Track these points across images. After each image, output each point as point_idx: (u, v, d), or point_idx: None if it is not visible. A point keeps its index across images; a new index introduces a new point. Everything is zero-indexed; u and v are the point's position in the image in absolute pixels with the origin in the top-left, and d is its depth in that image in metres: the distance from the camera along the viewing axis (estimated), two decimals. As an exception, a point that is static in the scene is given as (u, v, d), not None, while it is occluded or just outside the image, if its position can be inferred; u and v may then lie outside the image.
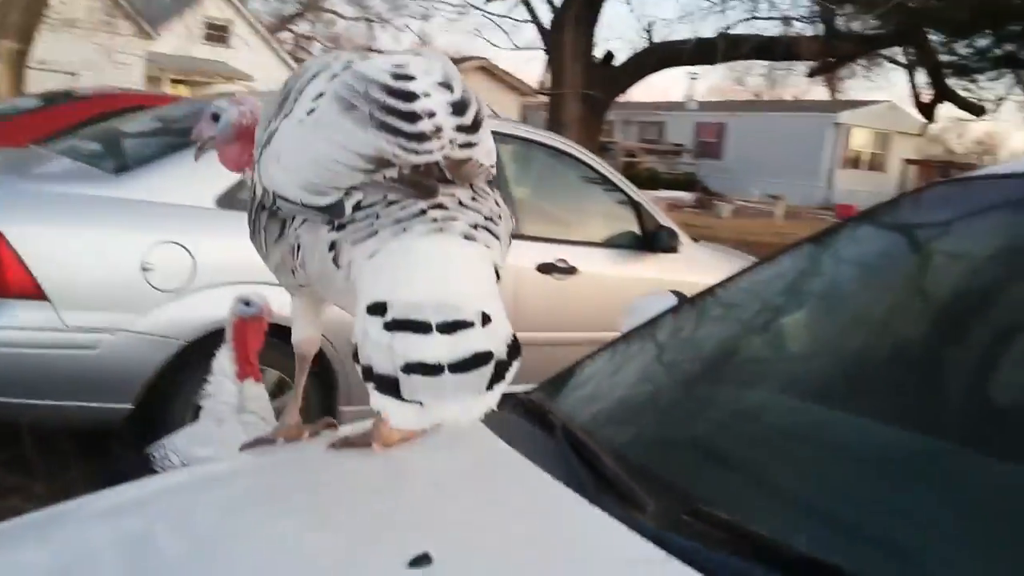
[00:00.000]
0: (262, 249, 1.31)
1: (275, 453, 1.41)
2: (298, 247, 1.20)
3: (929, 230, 1.69)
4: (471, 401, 0.92)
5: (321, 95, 1.16)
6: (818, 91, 34.90)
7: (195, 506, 1.25)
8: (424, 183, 1.07)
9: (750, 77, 25.27)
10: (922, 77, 12.03)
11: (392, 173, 1.06)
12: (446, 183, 1.07)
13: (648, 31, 11.70)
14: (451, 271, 1.01)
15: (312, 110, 1.16)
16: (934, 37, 10.97)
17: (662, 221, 4.68)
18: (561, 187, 4.76)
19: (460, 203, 1.08)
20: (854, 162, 29.40)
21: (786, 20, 10.63)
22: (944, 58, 11.32)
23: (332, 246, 1.11)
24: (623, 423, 1.40)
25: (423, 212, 1.05)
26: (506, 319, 0.97)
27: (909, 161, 29.51)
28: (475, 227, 1.06)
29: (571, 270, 4.22)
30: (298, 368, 1.43)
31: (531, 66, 64.77)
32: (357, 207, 1.09)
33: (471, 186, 1.11)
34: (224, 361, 2.14)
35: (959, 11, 9.55)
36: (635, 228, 4.63)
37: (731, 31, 10.83)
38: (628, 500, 1.08)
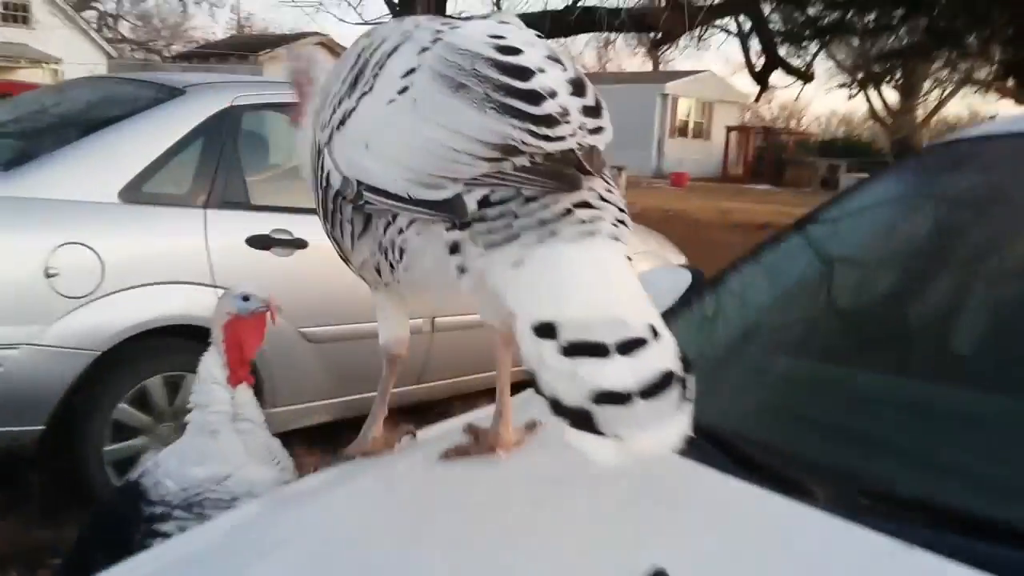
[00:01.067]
0: (344, 243, 1.17)
1: (375, 470, 1.28)
2: (400, 248, 1.07)
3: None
4: (667, 428, 0.83)
5: (412, 71, 1.03)
6: (636, 62, 36.17)
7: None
8: (567, 173, 0.96)
9: (579, 49, 25.74)
10: (755, 45, 12.63)
11: (523, 162, 0.95)
12: (586, 174, 0.97)
13: (497, 5, 11.66)
14: (610, 281, 0.93)
15: (405, 89, 1.02)
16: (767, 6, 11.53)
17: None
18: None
19: (601, 197, 0.98)
20: (682, 131, 30.65)
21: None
22: (776, 27, 11.99)
23: (455, 248, 0.98)
24: (746, 411, 1.36)
25: (569, 212, 0.94)
26: (667, 328, 0.89)
27: (730, 128, 31.06)
28: (617, 225, 0.97)
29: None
30: (386, 372, 1.30)
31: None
32: (485, 203, 0.97)
33: (602, 176, 1.01)
34: (212, 366, 1.93)
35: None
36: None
37: (578, 3, 10.95)
38: (801, 490, 1.04)
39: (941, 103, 30.38)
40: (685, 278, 1.86)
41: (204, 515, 1.79)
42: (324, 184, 1.16)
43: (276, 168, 3.98)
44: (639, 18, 10.27)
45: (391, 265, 1.09)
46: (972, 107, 34.00)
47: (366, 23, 12.33)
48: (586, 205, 0.95)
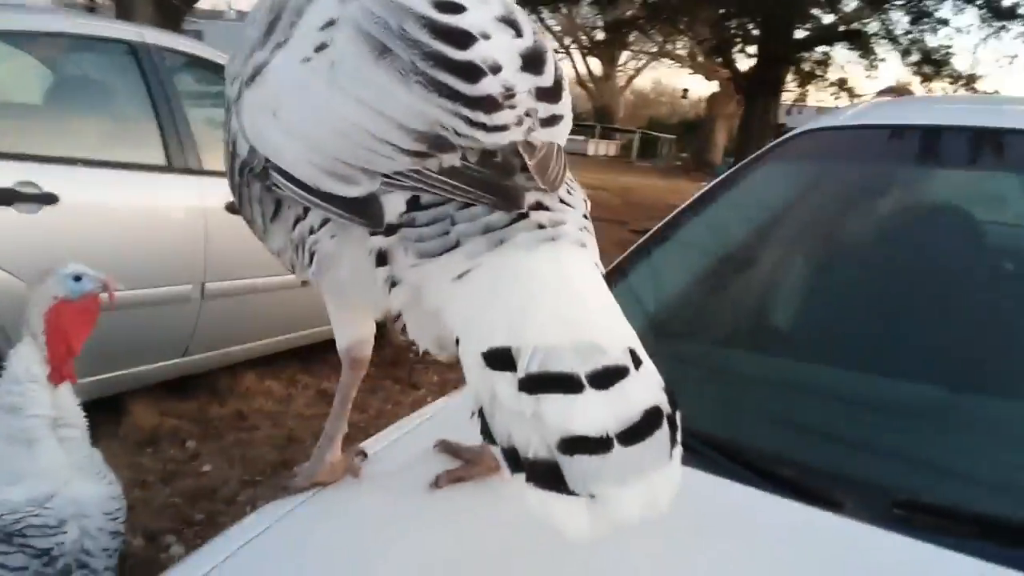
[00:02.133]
0: (256, 225, 0.98)
1: (344, 504, 1.08)
2: (310, 252, 0.89)
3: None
4: (655, 479, 0.67)
5: (332, 24, 0.83)
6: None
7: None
8: (505, 185, 0.77)
9: None
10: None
11: (452, 161, 0.78)
12: (530, 183, 0.78)
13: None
14: (578, 295, 0.76)
15: (323, 46, 0.83)
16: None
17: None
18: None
19: (560, 200, 0.81)
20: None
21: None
22: None
23: (382, 259, 0.80)
24: (746, 422, 1.32)
25: (522, 216, 0.77)
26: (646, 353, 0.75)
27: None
28: (583, 229, 0.81)
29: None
30: (347, 380, 1.10)
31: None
32: (415, 204, 0.79)
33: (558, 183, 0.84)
34: (29, 361, 1.57)
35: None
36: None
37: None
38: (831, 501, 1.04)
39: (637, 72, 33.11)
40: None
41: (28, 546, 1.46)
42: (231, 150, 0.95)
43: (24, 109, 3.37)
44: None
45: (305, 264, 0.91)
46: (659, 79, 37.49)
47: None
48: (542, 207, 0.79)
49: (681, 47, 20.45)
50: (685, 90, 33.25)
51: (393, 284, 0.80)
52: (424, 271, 0.78)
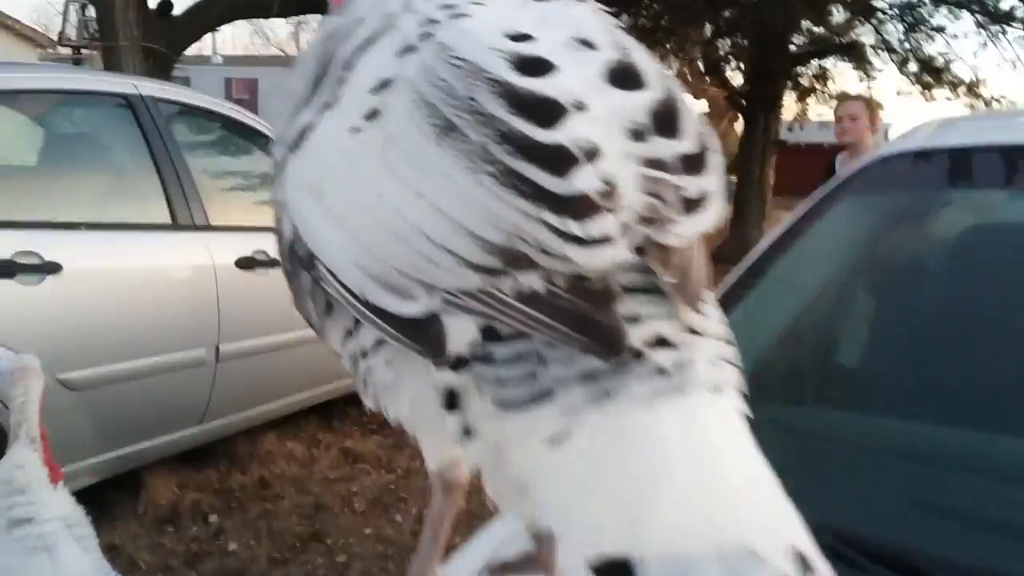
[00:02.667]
0: (310, 317, 0.76)
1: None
2: (364, 378, 0.69)
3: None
4: None
5: (387, 85, 0.64)
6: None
7: None
8: (599, 322, 0.57)
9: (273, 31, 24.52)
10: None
11: (532, 282, 0.58)
12: (649, 305, 0.58)
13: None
14: (718, 473, 0.56)
15: (375, 113, 0.64)
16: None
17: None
18: (243, 165, 4.07)
19: (689, 328, 0.60)
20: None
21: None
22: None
23: (452, 400, 0.61)
24: (885, 508, 1.13)
25: (638, 353, 0.57)
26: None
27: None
28: (719, 362, 0.61)
29: (272, 262, 3.62)
30: (438, 510, 0.89)
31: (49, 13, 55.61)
32: (492, 334, 0.60)
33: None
34: (29, 464, 1.40)
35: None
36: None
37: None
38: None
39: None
40: None
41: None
42: (277, 226, 0.75)
43: (19, 172, 3.20)
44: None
45: (361, 387, 0.71)
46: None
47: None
48: (662, 342, 0.58)
49: (667, 68, 20.35)
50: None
51: (466, 434, 0.61)
52: (507, 426, 0.58)
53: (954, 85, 11.79)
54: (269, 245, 3.15)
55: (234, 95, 29.41)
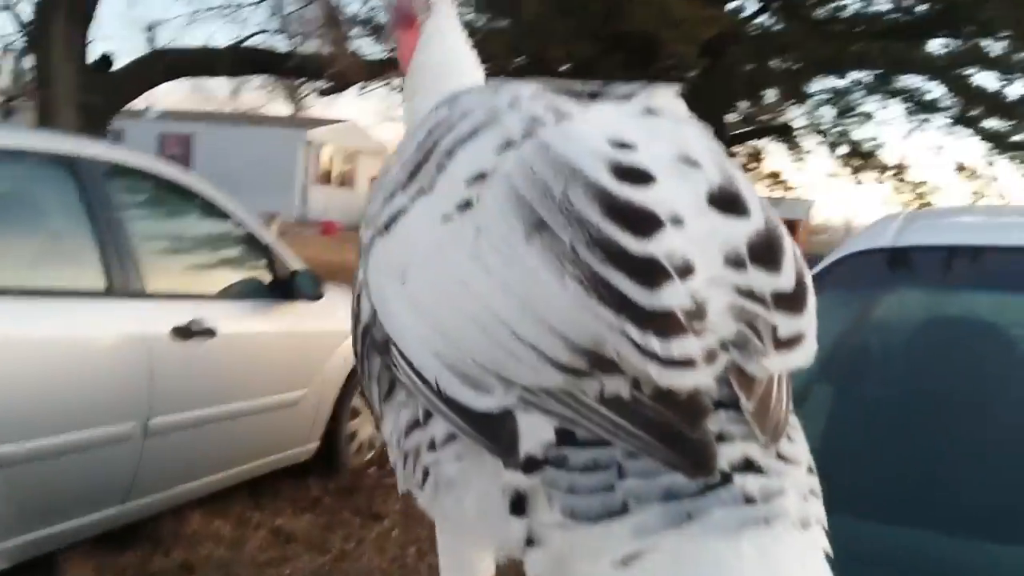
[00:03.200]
0: (371, 396, 0.76)
1: None
2: (424, 469, 0.67)
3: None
4: None
5: (484, 177, 0.63)
6: (277, 106, 35.45)
7: None
8: (688, 438, 0.53)
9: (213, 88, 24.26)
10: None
11: (618, 387, 0.55)
12: (735, 424, 0.55)
13: (150, 33, 10.52)
14: None
15: (467, 204, 0.63)
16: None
17: (295, 264, 4.13)
18: (181, 228, 3.93)
19: (778, 453, 0.57)
20: (326, 178, 30.30)
21: (303, 36, 10.36)
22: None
23: (518, 504, 0.57)
24: None
25: (725, 476, 0.54)
26: None
27: (375, 178, 31.33)
28: (807, 495, 0.58)
29: (209, 332, 3.46)
30: None
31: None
32: (568, 437, 0.56)
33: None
34: None
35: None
36: (266, 274, 4.02)
37: (246, 43, 10.25)
38: None
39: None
40: None
41: None
42: (355, 307, 0.77)
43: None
44: (309, 63, 9.80)
45: (415, 480, 0.69)
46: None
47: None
48: (751, 467, 0.55)
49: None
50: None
51: (530, 542, 0.57)
52: (574, 539, 0.55)
53: (882, 169, 12.25)
54: (206, 313, 3.03)
55: (165, 152, 29.01)
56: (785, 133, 12.62)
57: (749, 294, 0.56)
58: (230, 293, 3.79)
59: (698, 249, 0.56)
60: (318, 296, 4.01)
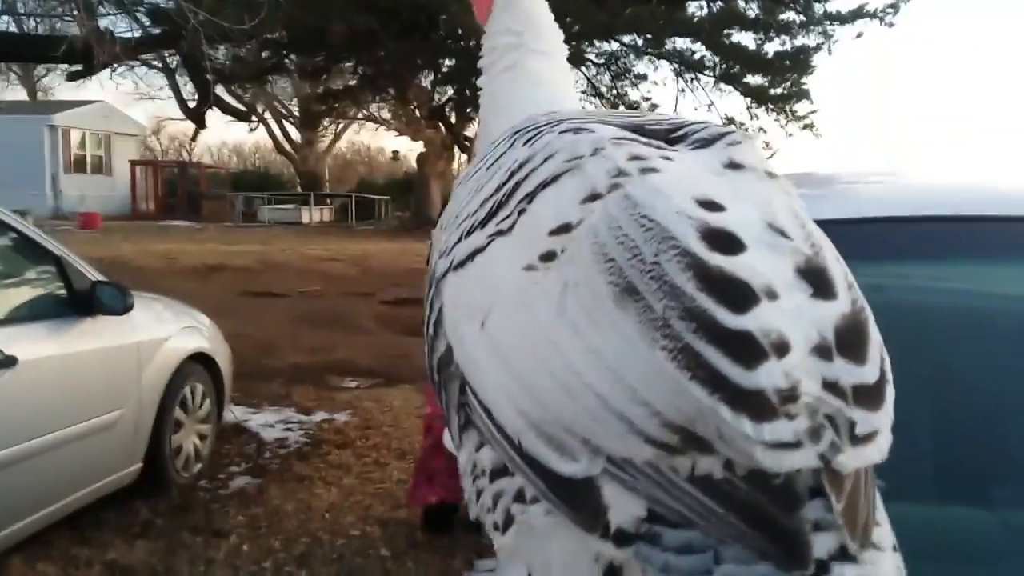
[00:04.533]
0: (450, 423, 0.74)
1: None
2: (506, 520, 0.66)
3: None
4: None
5: (568, 228, 0.62)
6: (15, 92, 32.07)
7: None
8: (784, 527, 0.52)
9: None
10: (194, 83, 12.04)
11: (710, 467, 0.53)
12: (827, 514, 0.53)
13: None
14: None
15: (551, 255, 0.61)
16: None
17: (95, 276, 3.76)
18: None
19: (869, 542, 0.55)
20: (79, 165, 27.76)
21: (46, 17, 9.39)
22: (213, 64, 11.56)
23: (610, 574, 0.57)
24: None
25: (823, 566, 0.52)
26: None
27: (135, 162, 29.16)
28: None
29: (10, 361, 3.08)
30: None
31: None
32: (658, 516, 0.55)
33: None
34: None
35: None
36: (63, 289, 3.62)
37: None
38: None
39: (338, 136, 33.27)
40: None
41: None
42: (429, 332, 0.74)
43: None
44: (54, 45, 8.91)
45: (494, 521, 0.68)
46: (358, 141, 38.73)
47: None
48: (847, 557, 0.53)
49: (385, 110, 20.54)
50: (395, 151, 33.63)
51: None
52: None
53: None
54: (14, 347, 2.72)
55: None
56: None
57: (833, 387, 0.53)
58: (24, 315, 3.39)
59: (791, 327, 0.53)
60: (127, 309, 3.68)
